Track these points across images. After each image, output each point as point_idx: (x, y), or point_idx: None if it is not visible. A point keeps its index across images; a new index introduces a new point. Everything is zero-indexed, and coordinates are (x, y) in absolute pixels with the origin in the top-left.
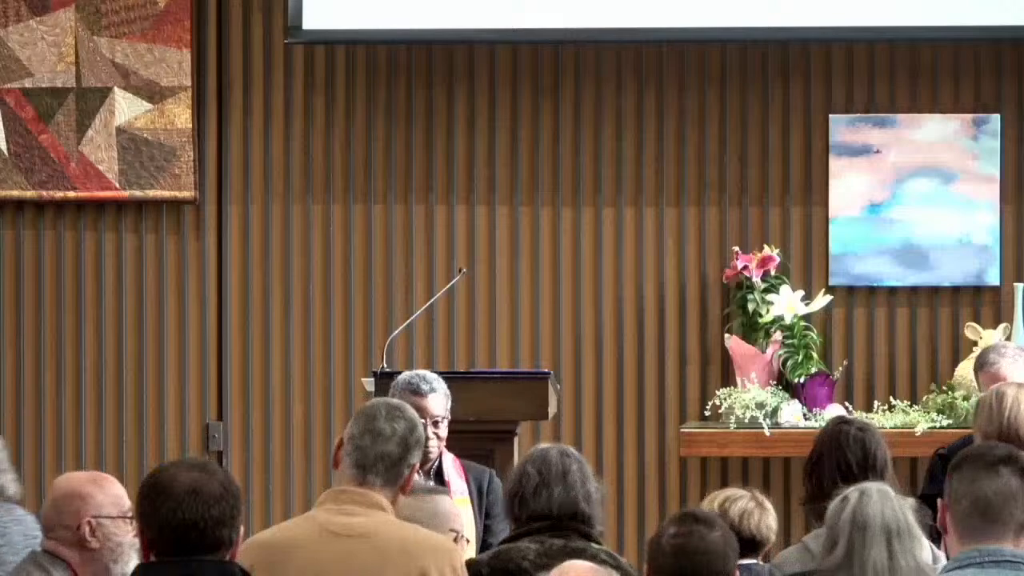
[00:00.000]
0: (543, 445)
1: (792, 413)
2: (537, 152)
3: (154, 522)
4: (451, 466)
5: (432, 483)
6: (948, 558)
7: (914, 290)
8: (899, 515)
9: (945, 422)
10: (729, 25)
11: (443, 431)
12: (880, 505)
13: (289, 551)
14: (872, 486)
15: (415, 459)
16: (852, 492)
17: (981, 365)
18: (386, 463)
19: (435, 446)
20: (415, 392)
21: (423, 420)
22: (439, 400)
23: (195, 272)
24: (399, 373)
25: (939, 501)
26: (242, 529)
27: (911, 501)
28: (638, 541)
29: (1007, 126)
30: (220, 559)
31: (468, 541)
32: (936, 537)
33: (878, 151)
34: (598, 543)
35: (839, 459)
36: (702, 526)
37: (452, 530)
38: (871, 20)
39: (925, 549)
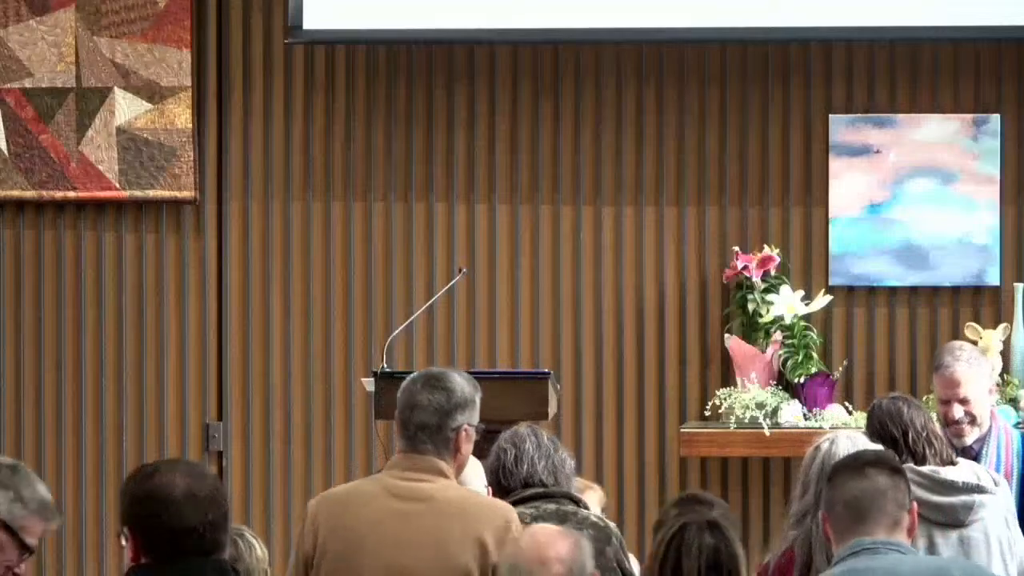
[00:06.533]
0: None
1: (792, 413)
2: (537, 152)
3: (151, 528)
4: None
5: None
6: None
7: (914, 290)
8: None
9: None
10: (729, 25)
11: None
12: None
13: (353, 507)
14: (842, 434)
15: (459, 422)
16: (824, 441)
17: (936, 367)
18: (427, 432)
19: None
20: None
21: None
22: None
23: (195, 272)
24: (399, 373)
25: (819, 514)
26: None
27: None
28: (639, 541)
29: (1007, 126)
30: (215, 559)
31: None
32: None
33: (878, 151)
34: (587, 508)
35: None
36: (704, 507)
37: None
38: (871, 20)
39: None
